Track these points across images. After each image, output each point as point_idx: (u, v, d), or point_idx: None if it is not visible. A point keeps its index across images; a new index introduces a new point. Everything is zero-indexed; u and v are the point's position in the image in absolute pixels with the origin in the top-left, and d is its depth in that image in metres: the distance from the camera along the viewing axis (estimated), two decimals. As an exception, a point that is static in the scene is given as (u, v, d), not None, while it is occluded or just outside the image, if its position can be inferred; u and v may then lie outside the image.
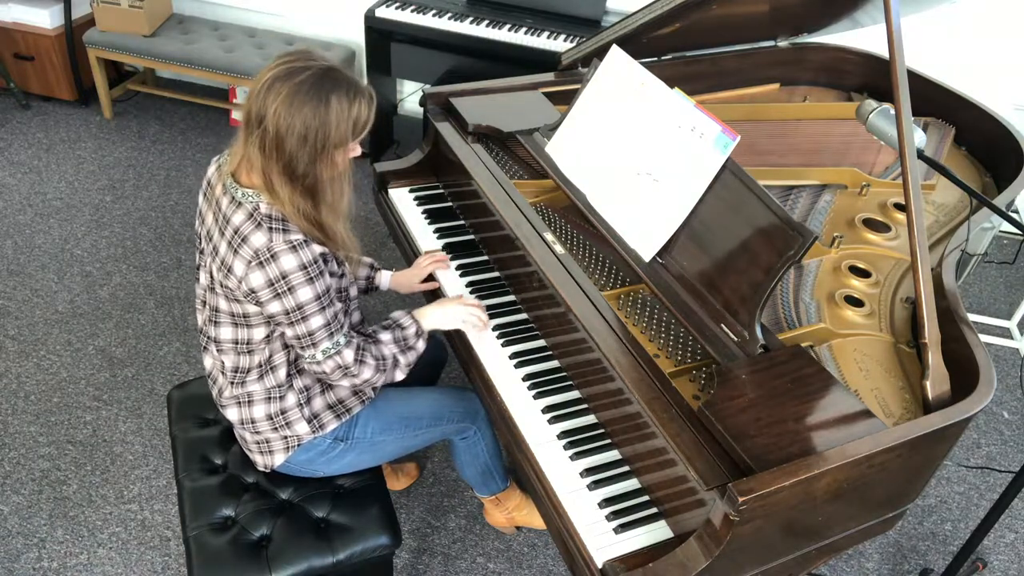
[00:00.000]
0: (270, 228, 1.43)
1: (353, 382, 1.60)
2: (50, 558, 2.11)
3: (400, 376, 1.66)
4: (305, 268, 1.44)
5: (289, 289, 1.44)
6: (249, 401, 1.63)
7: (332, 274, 1.53)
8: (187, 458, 1.79)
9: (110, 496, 2.27)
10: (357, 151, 1.51)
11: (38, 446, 2.38)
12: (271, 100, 1.38)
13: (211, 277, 1.53)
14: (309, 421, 1.65)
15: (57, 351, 2.68)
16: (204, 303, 1.61)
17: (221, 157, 1.58)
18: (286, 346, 1.58)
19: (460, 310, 1.74)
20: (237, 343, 1.57)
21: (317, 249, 1.46)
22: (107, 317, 2.83)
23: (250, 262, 1.42)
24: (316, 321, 1.48)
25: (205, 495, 1.71)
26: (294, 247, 1.42)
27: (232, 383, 1.63)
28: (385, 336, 1.65)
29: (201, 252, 1.59)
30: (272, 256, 1.42)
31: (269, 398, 1.62)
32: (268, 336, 1.55)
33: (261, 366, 1.59)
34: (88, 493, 2.27)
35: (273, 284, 1.43)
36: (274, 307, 1.46)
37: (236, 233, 1.44)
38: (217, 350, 1.61)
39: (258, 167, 1.43)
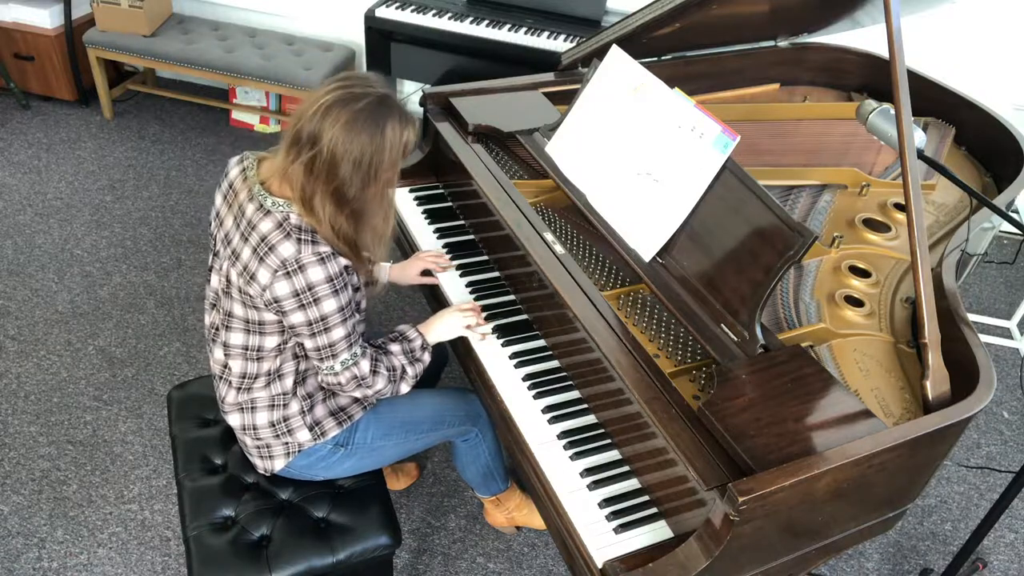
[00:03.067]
0: (299, 239, 1.43)
1: (366, 393, 1.61)
2: (50, 558, 2.11)
3: (405, 389, 1.67)
4: (331, 280, 1.44)
5: (315, 300, 1.44)
6: (252, 408, 1.63)
7: (353, 287, 1.54)
8: (187, 458, 1.79)
9: (110, 496, 2.27)
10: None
11: (38, 446, 2.38)
12: (328, 124, 1.38)
13: (227, 281, 1.53)
14: (311, 428, 1.65)
15: (57, 351, 2.68)
16: (214, 305, 1.61)
17: (246, 160, 1.56)
18: (296, 356, 1.58)
19: (459, 318, 1.76)
20: (247, 349, 1.57)
21: (343, 262, 1.48)
22: (107, 317, 2.83)
23: (276, 271, 1.42)
24: (338, 333, 1.49)
25: (205, 495, 1.71)
26: (322, 259, 1.43)
27: (239, 388, 1.62)
28: (394, 347, 1.67)
29: (216, 255, 1.58)
30: (300, 267, 1.42)
31: (273, 405, 1.62)
32: (280, 345, 1.55)
33: (269, 374, 1.59)
34: (88, 493, 2.27)
35: (299, 295, 1.43)
36: (297, 317, 1.46)
37: (263, 241, 1.44)
38: (224, 354, 1.61)
39: (298, 184, 1.43)
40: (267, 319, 1.51)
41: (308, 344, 1.51)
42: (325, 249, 1.44)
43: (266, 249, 1.43)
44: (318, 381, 1.63)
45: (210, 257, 1.62)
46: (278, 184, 1.48)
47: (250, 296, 1.48)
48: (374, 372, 1.59)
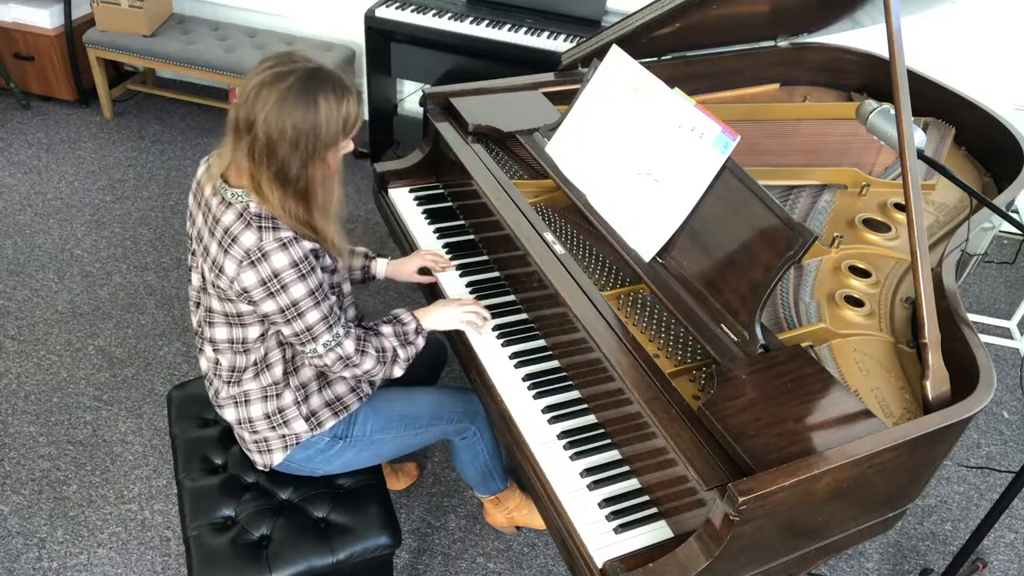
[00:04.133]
0: (259, 227, 1.43)
1: (355, 373, 1.60)
2: (50, 558, 2.11)
3: (398, 372, 1.66)
4: (296, 265, 1.44)
5: (282, 287, 1.44)
6: (246, 400, 1.63)
7: (324, 268, 1.53)
8: (187, 458, 1.79)
9: (110, 496, 2.27)
10: (349, 147, 1.51)
11: (38, 446, 2.38)
12: (259, 107, 1.37)
13: (203, 277, 1.53)
14: (307, 419, 1.65)
15: (57, 351, 2.68)
16: (198, 304, 1.62)
17: (210, 158, 1.57)
18: (281, 344, 1.58)
19: (459, 311, 1.75)
20: (233, 342, 1.57)
21: (308, 245, 1.46)
22: (107, 317, 2.83)
23: (241, 262, 1.42)
24: (312, 316, 1.48)
25: (205, 495, 1.71)
26: (284, 244, 1.42)
27: (228, 382, 1.63)
28: (386, 329, 1.66)
29: (193, 253, 1.59)
30: (263, 255, 1.42)
31: (266, 396, 1.62)
32: (263, 335, 1.55)
33: (256, 364, 1.59)
34: (88, 493, 2.27)
35: (266, 283, 1.43)
36: (268, 306, 1.46)
37: (226, 233, 1.44)
38: (213, 350, 1.61)
39: (247, 172, 1.43)
40: (243, 310, 1.51)
41: (286, 331, 1.51)
42: (287, 234, 1.43)
43: (229, 241, 1.43)
44: (312, 371, 1.63)
45: (189, 257, 1.62)
46: (235, 175, 1.47)
47: (222, 289, 1.48)
48: (361, 352, 1.57)
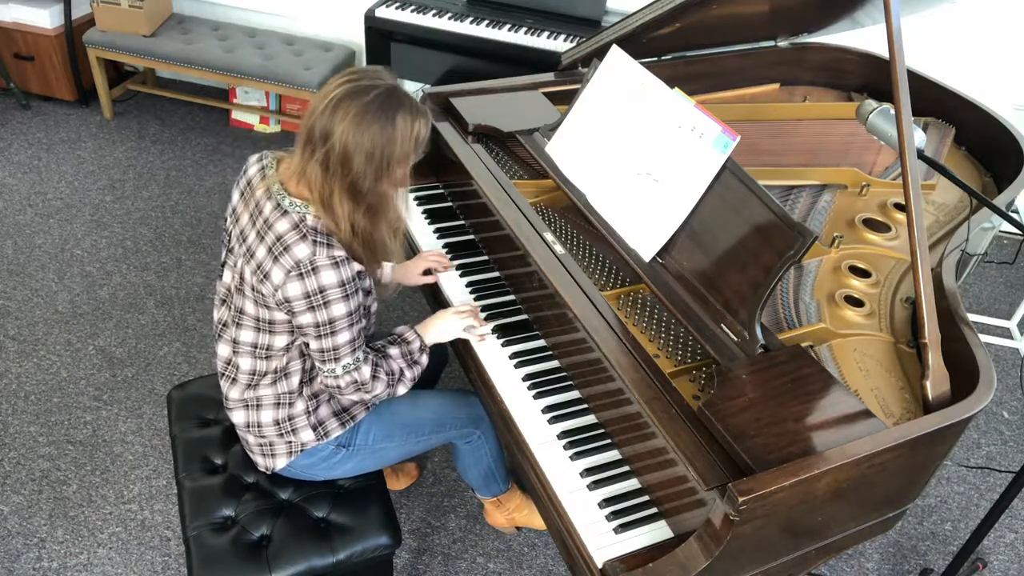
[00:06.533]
0: (315, 241, 1.43)
1: (364, 398, 1.61)
2: (50, 558, 2.11)
3: (403, 391, 1.67)
4: (343, 285, 1.45)
5: (325, 303, 1.45)
6: (258, 405, 1.63)
7: (364, 291, 1.55)
8: (187, 458, 1.79)
9: (110, 496, 2.27)
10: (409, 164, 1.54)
11: (38, 446, 2.38)
12: (339, 119, 1.40)
13: (241, 278, 1.53)
14: (314, 428, 1.65)
15: (57, 351, 2.68)
16: (224, 301, 1.62)
17: (265, 159, 1.57)
18: (303, 355, 1.59)
19: (456, 322, 1.76)
20: (256, 347, 1.57)
21: (356, 267, 1.48)
22: (107, 317, 2.83)
23: (289, 272, 1.43)
24: (343, 337, 1.50)
25: (205, 495, 1.71)
26: (336, 264, 1.44)
27: (246, 385, 1.63)
28: (393, 351, 1.67)
29: (230, 251, 1.59)
30: (314, 269, 1.42)
31: (278, 404, 1.62)
32: (288, 345, 1.56)
33: (276, 372, 1.59)
34: (88, 493, 2.27)
35: (310, 297, 1.44)
36: (306, 319, 1.46)
37: (279, 240, 1.44)
38: (234, 352, 1.61)
39: (316, 183, 1.44)
40: (277, 318, 1.51)
41: (313, 345, 1.51)
42: (340, 253, 1.45)
43: (281, 249, 1.44)
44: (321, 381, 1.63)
45: (223, 252, 1.62)
46: (296, 184, 1.49)
47: (262, 295, 1.48)
48: (374, 377, 1.59)
